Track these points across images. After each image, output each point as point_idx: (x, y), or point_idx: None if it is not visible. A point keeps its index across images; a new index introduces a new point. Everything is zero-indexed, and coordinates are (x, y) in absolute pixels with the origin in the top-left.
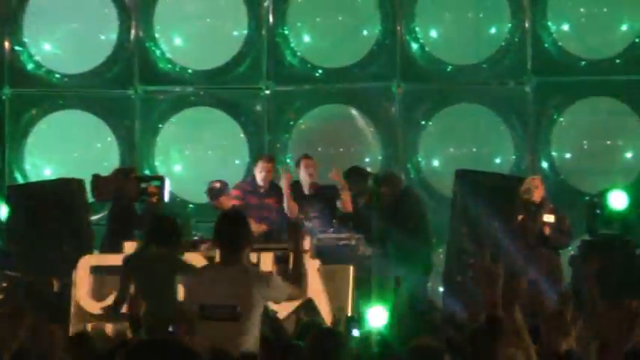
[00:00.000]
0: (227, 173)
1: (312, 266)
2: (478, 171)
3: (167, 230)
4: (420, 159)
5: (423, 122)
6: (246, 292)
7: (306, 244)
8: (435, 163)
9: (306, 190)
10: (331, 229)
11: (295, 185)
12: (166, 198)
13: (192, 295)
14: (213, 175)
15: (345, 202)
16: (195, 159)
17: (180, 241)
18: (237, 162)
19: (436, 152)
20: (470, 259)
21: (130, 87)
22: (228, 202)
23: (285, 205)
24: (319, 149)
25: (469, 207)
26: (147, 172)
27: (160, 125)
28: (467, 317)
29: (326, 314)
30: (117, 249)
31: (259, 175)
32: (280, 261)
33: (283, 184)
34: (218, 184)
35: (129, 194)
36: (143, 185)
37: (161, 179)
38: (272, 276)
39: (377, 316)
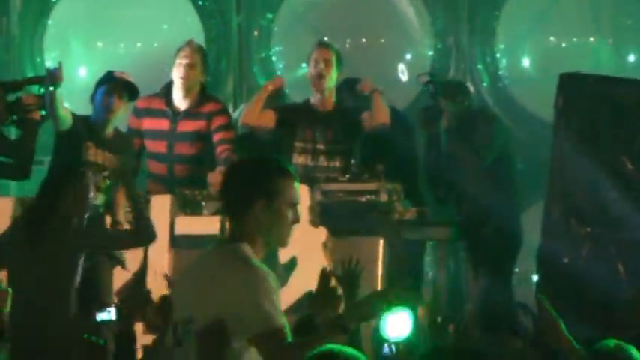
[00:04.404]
0: (166, 82)
1: (314, 238)
2: (601, 76)
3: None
4: (498, 54)
5: None
6: (208, 295)
7: (303, 198)
8: (524, 61)
9: (315, 102)
10: (347, 176)
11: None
12: (61, 112)
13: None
14: (146, 84)
15: (375, 110)
16: (112, 56)
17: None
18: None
19: (525, 43)
20: (585, 228)
21: None
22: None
23: (245, 107)
24: (325, 39)
25: (585, 138)
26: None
27: None
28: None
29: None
30: None
31: (177, 71)
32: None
33: (264, 85)
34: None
35: None
36: (12, 97)
37: (44, 81)
38: (251, 277)
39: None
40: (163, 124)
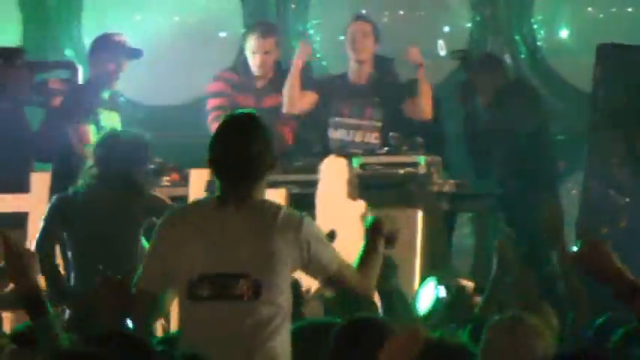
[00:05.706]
0: (204, 55)
1: (354, 211)
2: (639, 47)
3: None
4: (535, 26)
5: None
6: (268, 247)
7: (341, 171)
8: (562, 32)
9: (352, 76)
10: (385, 148)
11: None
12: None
13: (171, 257)
14: (183, 58)
15: (422, 100)
16: (150, 29)
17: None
18: (222, 35)
19: (563, 14)
20: (624, 198)
21: None
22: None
23: (284, 96)
24: (363, 11)
25: (623, 109)
26: (68, 52)
27: None
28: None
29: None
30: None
31: (253, 60)
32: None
33: (294, 63)
34: None
35: (15, 91)
36: (39, 78)
37: (71, 66)
38: (305, 218)
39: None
40: (249, 100)
